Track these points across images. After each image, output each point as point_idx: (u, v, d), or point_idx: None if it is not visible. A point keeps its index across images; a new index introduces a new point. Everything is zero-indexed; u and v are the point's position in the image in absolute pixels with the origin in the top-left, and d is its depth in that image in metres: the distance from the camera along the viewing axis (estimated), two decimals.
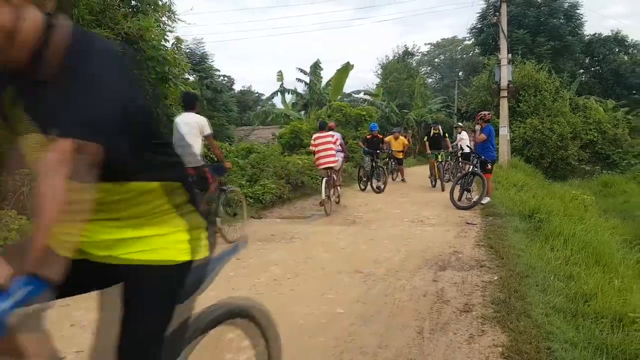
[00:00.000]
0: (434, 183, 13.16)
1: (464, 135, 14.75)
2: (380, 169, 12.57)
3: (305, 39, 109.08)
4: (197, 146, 6.00)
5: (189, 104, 6.14)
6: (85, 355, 3.08)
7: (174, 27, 9.65)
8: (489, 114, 9.70)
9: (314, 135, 9.44)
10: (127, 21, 7.84)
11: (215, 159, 7.73)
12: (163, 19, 9.32)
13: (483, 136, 9.34)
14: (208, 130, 6.00)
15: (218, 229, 6.20)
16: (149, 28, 8.14)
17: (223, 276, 4.68)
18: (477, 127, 10.28)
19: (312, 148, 9.53)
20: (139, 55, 8.70)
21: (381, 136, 13.69)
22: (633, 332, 3.31)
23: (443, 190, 11.85)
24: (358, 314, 3.72)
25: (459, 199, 9.41)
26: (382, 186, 12.14)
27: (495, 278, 4.51)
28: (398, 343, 3.19)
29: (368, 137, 13.40)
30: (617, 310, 3.59)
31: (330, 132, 9.79)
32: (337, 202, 9.84)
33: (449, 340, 3.22)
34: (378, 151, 12.57)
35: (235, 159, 11.09)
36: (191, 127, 5.89)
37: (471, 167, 9.57)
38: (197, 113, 6.09)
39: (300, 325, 3.51)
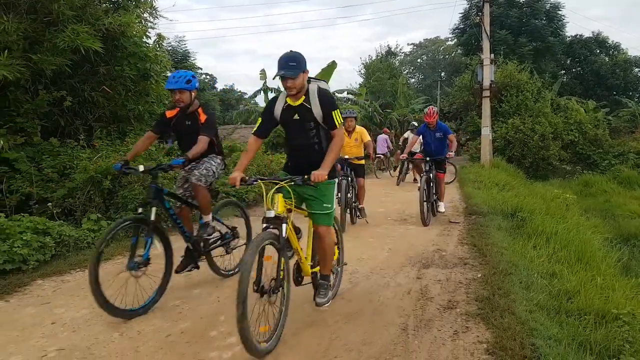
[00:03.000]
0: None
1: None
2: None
3: (288, 38, 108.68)
4: None
5: None
6: (67, 353, 3.03)
7: (155, 24, 9.51)
8: (429, 111, 7.82)
9: None
10: (108, 17, 7.69)
11: None
12: (145, 15, 9.16)
13: (415, 138, 8.69)
14: None
15: None
16: (130, 24, 8.00)
17: (206, 274, 4.59)
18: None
19: None
20: (119, 52, 8.58)
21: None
22: (616, 328, 3.35)
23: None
24: (342, 312, 3.70)
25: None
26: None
27: (479, 275, 4.52)
28: (383, 340, 3.18)
29: None
30: (600, 307, 3.64)
31: None
32: None
33: (434, 337, 3.22)
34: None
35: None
36: None
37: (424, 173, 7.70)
38: None
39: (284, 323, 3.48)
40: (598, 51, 34.74)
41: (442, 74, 51.98)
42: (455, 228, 7.05)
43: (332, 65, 22.44)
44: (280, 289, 3.03)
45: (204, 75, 25.95)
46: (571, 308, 3.66)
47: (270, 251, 2.98)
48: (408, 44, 62.86)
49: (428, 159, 7.65)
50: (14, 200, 6.17)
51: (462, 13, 33.23)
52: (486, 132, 18.02)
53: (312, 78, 3.37)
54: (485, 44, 17.60)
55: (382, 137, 17.22)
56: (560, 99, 23.96)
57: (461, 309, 3.69)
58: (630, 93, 34.66)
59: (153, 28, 9.49)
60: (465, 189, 11.60)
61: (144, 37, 9.11)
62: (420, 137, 8.21)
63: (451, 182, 13.78)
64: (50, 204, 6.21)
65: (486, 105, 17.97)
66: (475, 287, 4.20)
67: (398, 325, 3.43)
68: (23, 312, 3.78)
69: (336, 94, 25.46)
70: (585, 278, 4.38)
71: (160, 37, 9.84)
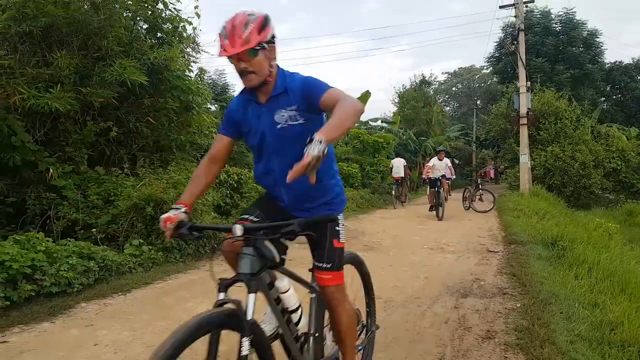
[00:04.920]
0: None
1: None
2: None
3: (324, 70, 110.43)
4: None
5: None
6: None
7: (197, 58, 9.93)
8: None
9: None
10: (154, 52, 8.08)
11: None
12: (188, 49, 9.59)
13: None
14: None
15: None
16: (173, 58, 8.38)
17: (241, 297, 4.69)
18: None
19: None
20: (163, 84, 8.96)
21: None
22: None
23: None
24: (378, 340, 3.67)
25: None
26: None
27: (518, 305, 4.43)
28: None
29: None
30: None
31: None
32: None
33: None
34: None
35: (254, 184, 11.21)
36: None
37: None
38: None
39: None
40: (639, 77, 33.79)
41: (477, 102, 51.59)
42: (494, 257, 6.93)
43: (366, 95, 22.67)
44: None
45: None
46: (614, 339, 3.53)
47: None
48: (443, 73, 62.82)
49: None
50: (61, 226, 6.46)
51: (497, 42, 33.15)
52: (524, 159, 17.70)
53: None
54: (521, 72, 17.47)
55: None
56: (601, 126, 23.34)
57: (500, 339, 3.61)
58: None
59: (195, 62, 9.90)
60: (504, 218, 11.40)
61: (187, 70, 9.48)
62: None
63: (489, 210, 13.56)
64: (94, 229, 6.45)
65: (523, 133, 17.71)
66: (515, 317, 4.10)
67: (435, 355, 3.38)
68: (68, 333, 3.92)
69: (370, 122, 25.65)
70: (630, 309, 4.21)
71: (201, 70, 10.24)
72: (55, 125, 7.36)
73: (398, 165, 16.71)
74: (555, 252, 6.80)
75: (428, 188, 13.39)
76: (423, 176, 13.68)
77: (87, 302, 4.76)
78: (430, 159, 13.94)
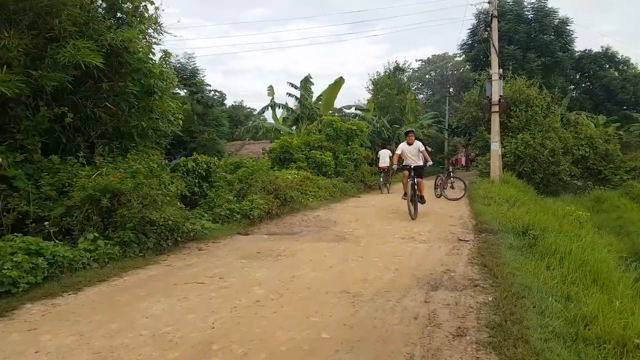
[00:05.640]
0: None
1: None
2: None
3: (297, 55, 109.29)
4: None
5: None
6: None
7: (160, 40, 9.45)
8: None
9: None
10: (111, 33, 7.62)
11: None
12: (149, 31, 9.11)
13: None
14: None
15: None
16: (132, 40, 7.92)
17: (203, 297, 4.40)
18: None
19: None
20: (124, 67, 8.51)
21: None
22: (637, 358, 3.09)
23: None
24: (344, 339, 3.47)
25: None
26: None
27: (490, 299, 4.27)
28: None
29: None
30: (619, 334, 3.38)
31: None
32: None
33: None
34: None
35: (223, 173, 10.85)
36: None
37: None
38: None
39: (282, 353, 3.26)
40: (607, 66, 34.42)
41: (450, 90, 51.88)
42: (465, 247, 6.80)
43: (339, 82, 22.39)
44: None
45: (212, 92, 25.85)
46: (589, 336, 3.40)
47: None
48: (416, 60, 62.74)
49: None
50: (11, 219, 6.03)
51: (470, 29, 33.18)
52: (495, 147, 17.76)
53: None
54: (494, 59, 17.44)
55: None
56: (570, 113, 23.65)
57: (471, 337, 3.43)
58: None
59: (158, 44, 9.43)
60: (475, 205, 11.35)
61: (149, 53, 9.02)
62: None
63: (460, 198, 13.53)
64: (47, 222, 6.05)
65: (495, 121, 17.75)
66: (486, 312, 3.94)
67: (404, 355, 3.19)
68: (7, 339, 3.58)
69: (344, 110, 25.42)
70: (603, 301, 4.11)
71: (166, 53, 9.79)
72: (5, 111, 6.88)
73: (384, 156, 18.13)
74: (527, 241, 6.72)
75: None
76: (393, 166, 11.31)
77: (33, 303, 4.42)
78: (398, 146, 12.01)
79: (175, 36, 15.06)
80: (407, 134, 11.11)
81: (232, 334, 3.62)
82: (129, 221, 6.45)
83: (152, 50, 9.21)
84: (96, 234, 6.14)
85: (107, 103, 8.18)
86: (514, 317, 3.69)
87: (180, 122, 12.58)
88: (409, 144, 10.52)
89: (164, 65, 10.32)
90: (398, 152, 10.57)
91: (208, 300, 4.54)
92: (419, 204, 10.08)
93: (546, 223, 7.49)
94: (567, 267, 5.30)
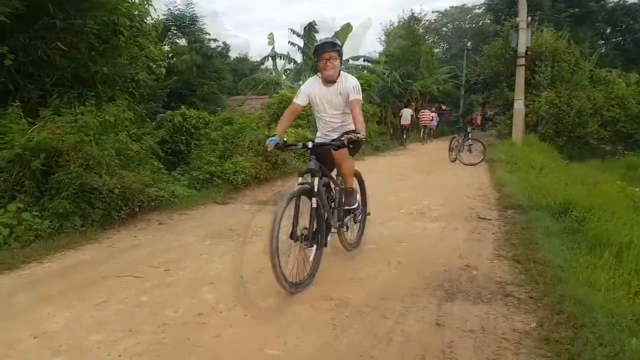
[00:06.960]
0: None
1: None
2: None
3: (306, 7, 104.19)
4: None
5: None
6: None
7: None
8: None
9: None
10: None
11: None
12: None
13: None
14: None
15: None
16: None
17: (129, 302, 3.11)
18: None
19: None
20: (86, 2, 7.12)
21: None
22: None
23: None
24: None
25: None
26: None
27: (533, 325, 2.92)
28: None
29: None
30: None
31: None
32: None
33: None
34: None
35: (207, 130, 9.46)
36: None
37: None
38: None
39: None
40: None
41: (468, 44, 49.09)
42: (488, 229, 5.41)
43: (346, 28, 20.45)
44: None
45: (214, 43, 23.95)
46: None
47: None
48: (433, 12, 59.29)
49: None
50: None
51: None
52: (519, 105, 16.06)
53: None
54: (522, 4, 15.48)
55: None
56: (600, 70, 21.60)
57: None
58: None
59: None
60: (496, 173, 9.87)
61: None
62: None
63: (478, 163, 12.06)
64: None
65: (520, 75, 15.98)
66: (530, 351, 2.61)
67: None
68: None
69: (351, 61, 23.42)
70: None
71: None
72: None
73: (406, 115, 20.63)
74: (568, 225, 5.26)
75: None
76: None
77: None
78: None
79: None
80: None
81: None
82: (66, 188, 5.15)
83: None
84: (20, 205, 4.86)
85: (58, 43, 6.83)
86: None
87: (164, 71, 11.15)
88: (328, 80, 4.05)
89: (145, 4, 8.93)
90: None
91: (134, 308, 3.27)
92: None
93: (591, 200, 5.99)
94: (630, 268, 3.91)
